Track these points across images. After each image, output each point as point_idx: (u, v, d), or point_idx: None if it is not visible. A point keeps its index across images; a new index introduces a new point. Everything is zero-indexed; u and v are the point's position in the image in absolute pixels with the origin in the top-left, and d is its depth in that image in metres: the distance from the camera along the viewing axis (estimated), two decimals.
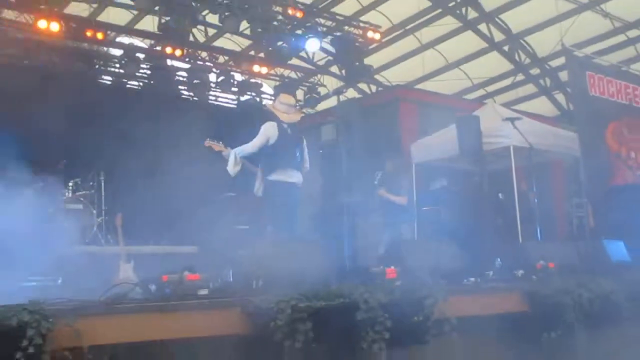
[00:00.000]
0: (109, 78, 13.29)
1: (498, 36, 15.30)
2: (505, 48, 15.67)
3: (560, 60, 14.89)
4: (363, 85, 16.75)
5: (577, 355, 6.07)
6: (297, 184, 7.46)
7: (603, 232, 8.98)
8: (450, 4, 14.34)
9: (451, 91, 16.49)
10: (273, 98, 14.63)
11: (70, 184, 9.37)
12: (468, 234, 8.59)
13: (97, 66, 12.91)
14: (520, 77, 16.66)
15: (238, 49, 14.55)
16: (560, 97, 16.93)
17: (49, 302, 4.06)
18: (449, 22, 14.99)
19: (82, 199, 9.42)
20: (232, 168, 7.45)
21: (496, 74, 16.79)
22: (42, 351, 3.65)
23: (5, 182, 8.11)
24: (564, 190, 13.64)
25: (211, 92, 14.08)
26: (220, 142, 7.70)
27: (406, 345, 4.87)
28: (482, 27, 15.03)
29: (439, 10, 14.56)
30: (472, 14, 14.60)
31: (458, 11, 14.51)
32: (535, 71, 16.43)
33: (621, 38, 15.25)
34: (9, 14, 11.83)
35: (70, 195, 9.37)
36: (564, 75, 15.34)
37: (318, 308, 4.45)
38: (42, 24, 10.84)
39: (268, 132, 7.44)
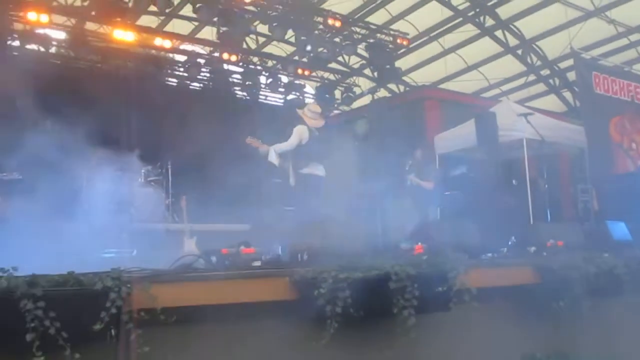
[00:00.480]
0: (175, 80, 13.43)
1: (512, 41, 15.06)
2: (519, 52, 15.40)
3: (568, 62, 14.66)
4: (392, 86, 16.62)
5: (582, 322, 5.98)
6: (322, 176, 7.84)
7: (606, 214, 8.84)
8: (470, 13, 14.16)
9: (470, 90, 16.33)
10: (314, 98, 14.74)
11: (143, 171, 9.52)
12: (485, 215, 8.49)
13: (164, 70, 13.07)
14: (531, 77, 16.38)
15: (284, 54, 14.57)
16: (567, 95, 16.59)
17: (128, 270, 4.14)
18: (469, 29, 14.80)
19: (152, 183, 9.57)
20: (275, 160, 7.91)
21: (510, 75, 16.51)
22: (122, 312, 3.73)
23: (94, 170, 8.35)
24: (570, 178, 13.40)
25: (261, 92, 14.13)
26: (259, 140, 8.00)
27: (431, 311, 4.85)
28: (499, 33, 14.80)
29: (460, 19, 14.39)
30: (489, 21, 14.42)
31: (477, 19, 14.32)
32: (545, 72, 16.16)
33: (624, 42, 14.89)
34: (90, 26, 12.07)
35: (142, 180, 9.52)
36: (571, 75, 15.09)
37: (355, 278, 4.47)
38: (118, 33, 11.02)
39: (301, 134, 7.80)
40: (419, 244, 5.57)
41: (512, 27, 14.67)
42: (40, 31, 11.23)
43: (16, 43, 11.24)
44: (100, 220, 8.27)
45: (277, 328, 4.59)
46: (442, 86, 16.06)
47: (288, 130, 8.00)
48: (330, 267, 4.48)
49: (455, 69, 16.42)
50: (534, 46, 15.37)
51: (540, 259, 6.18)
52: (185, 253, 5.91)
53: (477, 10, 14.11)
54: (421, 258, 5.19)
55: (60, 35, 12.11)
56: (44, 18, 10.41)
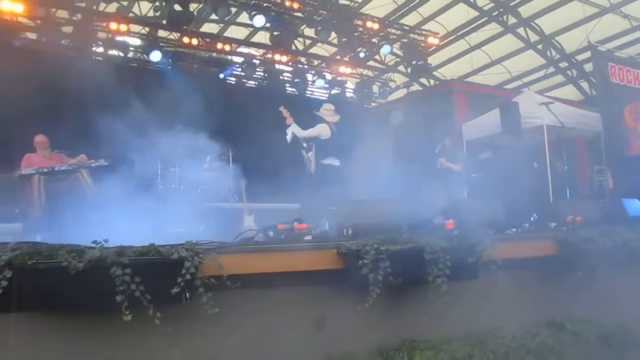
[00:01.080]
0: (233, 79, 13.52)
1: (533, 37, 14.61)
2: (539, 46, 14.93)
3: (585, 55, 14.22)
4: (424, 80, 16.36)
5: (598, 289, 5.81)
6: (339, 167, 8.22)
7: (620, 192, 8.55)
8: (494, 13, 13.81)
9: (494, 83, 15.94)
10: (353, 93, 14.64)
11: (208, 157, 9.62)
12: (509, 194, 8.31)
13: (224, 70, 13.17)
14: (551, 69, 15.88)
15: (328, 54, 14.50)
16: (584, 85, 16.04)
17: (199, 243, 4.23)
18: (493, 27, 14.42)
19: (216, 168, 9.66)
20: (288, 137, 8.48)
21: (531, 68, 16.03)
22: (195, 278, 3.82)
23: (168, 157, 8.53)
24: (587, 160, 12.98)
25: (308, 88, 14.10)
26: (289, 113, 8.22)
27: (461, 279, 4.80)
28: (520, 30, 14.40)
29: (485, 18, 14.05)
30: (511, 20, 14.04)
31: (500, 18, 13.95)
32: (563, 64, 15.64)
33: (638, 34, 14.19)
34: (162, 33, 12.26)
35: (208, 165, 9.64)
36: (588, 67, 14.69)
37: (394, 250, 4.46)
38: (185, 39, 11.17)
39: (320, 130, 8.26)
40: (450, 220, 5.49)
41: (533, 24, 14.24)
42: (120, 38, 11.47)
43: (100, 49, 11.54)
44: (173, 200, 8.49)
45: (326, 293, 4.61)
46: (468, 79, 15.73)
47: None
48: (372, 240, 4.48)
49: (481, 64, 16.04)
50: (553, 41, 14.89)
51: (561, 233, 6.01)
52: (245, 228, 5.99)
53: (501, 10, 13.75)
54: (452, 232, 5.13)
55: (136, 41, 12.34)
56: (123, 27, 10.62)
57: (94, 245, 3.72)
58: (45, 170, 7.39)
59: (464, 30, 14.63)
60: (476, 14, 13.88)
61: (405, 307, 4.80)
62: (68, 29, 11.10)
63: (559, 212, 6.69)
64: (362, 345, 4.61)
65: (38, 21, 10.43)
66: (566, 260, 5.61)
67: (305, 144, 8.32)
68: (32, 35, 11.20)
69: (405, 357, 4.44)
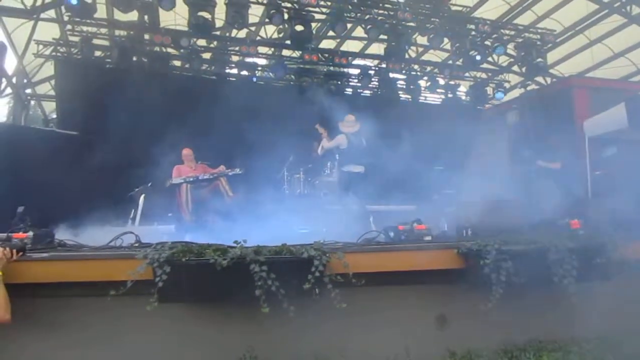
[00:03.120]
0: (350, 90, 13.64)
1: None
2: None
3: None
4: (539, 79, 15.28)
5: None
6: (360, 173, 8.26)
7: None
8: (616, 4, 12.49)
9: (618, 76, 14.41)
10: (466, 95, 14.07)
11: (329, 164, 9.71)
12: (638, 193, 7.46)
13: (339, 82, 13.35)
14: None
15: (440, 59, 14.12)
16: None
17: (325, 243, 4.32)
18: (615, 20, 13.05)
19: (336, 175, 9.71)
20: (319, 151, 8.72)
21: None
22: (324, 275, 3.91)
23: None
24: None
25: (421, 94, 13.82)
26: (324, 129, 8.67)
27: (591, 280, 4.40)
28: None
29: (606, 11, 12.76)
30: (635, 10, 12.58)
31: (623, 9, 12.58)
32: None
33: None
34: (285, 52, 12.75)
35: (328, 172, 9.73)
36: None
37: (517, 251, 4.22)
38: (307, 56, 11.52)
39: (339, 141, 8.34)
40: (575, 219, 5.06)
41: None
42: (250, 60, 12.12)
43: (234, 71, 12.29)
44: (298, 204, 8.76)
45: (447, 292, 4.49)
46: (589, 74, 14.40)
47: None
48: (494, 240, 4.28)
49: (602, 58, 14.61)
50: None
51: None
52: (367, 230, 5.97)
53: (623, 0, 12.40)
54: (578, 232, 4.73)
55: (263, 62, 12.97)
56: (253, 50, 11.22)
57: (235, 244, 3.96)
58: (191, 179, 8.04)
59: (583, 25, 13.43)
60: (596, 7, 12.68)
61: (530, 307, 4.50)
62: (207, 55, 11.99)
63: None
64: (485, 344, 4.42)
65: (182, 50, 11.37)
66: None
67: (336, 155, 8.55)
68: (177, 62, 12.24)
69: (532, 358, 4.17)
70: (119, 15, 10.17)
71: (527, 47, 11.44)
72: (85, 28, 10.62)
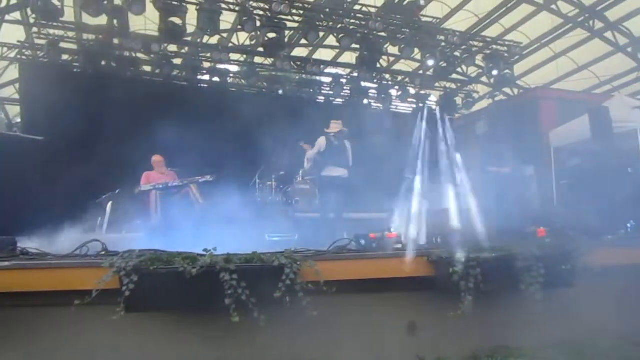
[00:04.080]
0: (322, 98, 13.70)
1: (622, 40, 13.49)
2: (629, 49, 13.77)
3: None
4: (507, 89, 15.66)
5: None
6: (342, 177, 7.97)
7: None
8: (580, 19, 12.94)
9: (581, 89, 14.93)
10: (436, 105, 14.30)
11: (301, 171, 9.75)
12: (601, 201, 7.70)
13: (312, 90, 13.42)
14: None
15: (411, 69, 14.33)
16: None
17: (297, 251, 4.31)
18: (578, 34, 13.52)
19: (308, 182, 9.76)
20: (306, 164, 8.48)
21: (621, 72, 14.82)
22: (295, 283, 3.89)
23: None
24: None
25: (393, 103, 13.97)
26: (309, 145, 8.44)
27: (556, 287, 4.51)
28: (608, 34, 13.34)
29: (570, 25, 13.20)
30: (598, 25, 13.05)
31: (586, 24, 13.04)
32: None
33: None
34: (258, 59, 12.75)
35: (300, 179, 9.77)
36: None
37: (486, 258, 4.29)
38: (279, 64, 11.52)
39: (319, 144, 8.02)
40: (541, 227, 5.18)
41: (621, 27, 13.17)
42: (222, 66, 12.05)
43: (205, 77, 12.21)
44: (270, 211, 8.73)
45: (417, 299, 4.53)
46: (554, 87, 14.85)
47: None
48: (463, 248, 4.34)
49: (566, 70, 15.09)
50: None
51: None
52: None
53: (586, 15, 12.85)
54: (545, 240, 4.85)
55: (235, 69, 12.92)
56: (225, 57, 11.16)
57: (205, 252, 3.92)
58: (161, 186, 7.91)
59: (548, 38, 13.85)
60: (560, 21, 13.11)
61: (498, 314, 4.59)
62: (178, 61, 11.88)
63: None
64: (454, 350, 4.47)
65: (152, 55, 11.23)
66: None
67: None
68: (147, 68, 12.08)
69: None
70: (87, 19, 9.98)
71: (494, 59, 11.71)
72: (52, 31, 10.40)
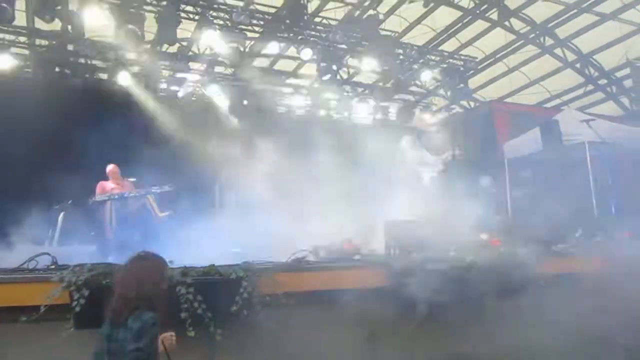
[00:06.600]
0: (283, 108, 13.69)
1: (571, 56, 14.09)
2: (577, 65, 14.42)
3: (625, 71, 13.65)
4: (464, 102, 16.10)
5: None
6: None
7: None
8: (531, 36, 13.46)
9: (533, 102, 15.48)
10: (396, 117, 14.50)
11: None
12: (552, 211, 7.98)
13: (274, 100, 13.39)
14: (590, 86, 15.26)
15: (370, 82, 14.52)
16: (624, 100, 15.31)
17: (255, 262, 4.26)
18: (530, 50, 14.05)
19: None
20: None
21: (570, 86, 15.47)
22: (253, 296, 3.85)
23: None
24: (633, 174, 12.32)
25: (353, 114, 14.09)
26: None
27: (509, 296, 4.63)
28: (558, 50, 13.91)
29: (522, 41, 13.72)
30: (548, 41, 13.61)
31: (537, 40, 13.58)
32: (602, 81, 15.00)
33: None
34: (218, 69, 12.62)
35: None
36: (627, 83, 14.01)
37: (440, 269, 4.37)
38: (239, 75, 11.45)
39: None
40: (495, 237, 5.32)
41: (570, 44, 13.78)
42: (180, 75, 11.88)
43: (163, 86, 11.99)
44: (230, 222, 8.60)
45: (375, 310, 4.53)
46: (508, 100, 15.35)
47: None
48: (419, 259, 4.40)
49: (519, 84, 15.59)
50: (591, 59, 14.33)
51: (609, 248, 5.71)
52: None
53: (537, 32, 13.38)
54: (498, 250, 4.98)
55: (195, 77, 12.75)
56: (184, 66, 11.03)
57: None
58: (116, 196, 7.69)
59: (502, 53, 14.32)
60: (513, 37, 13.59)
61: (454, 324, 4.64)
62: (135, 69, 11.63)
63: (605, 228, 6.37)
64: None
65: (109, 63, 10.97)
66: (615, 276, 5.29)
67: None
68: (103, 75, 11.78)
69: None
70: (40, 24, 9.66)
71: (451, 72, 12.02)
72: (1, 35, 10.01)
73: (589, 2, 12.11)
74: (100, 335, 2.86)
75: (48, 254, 4.43)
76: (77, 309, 3.45)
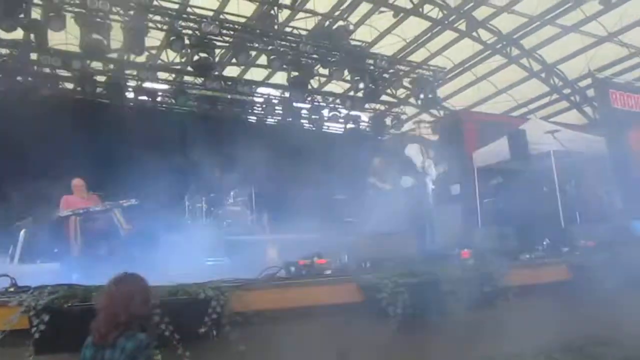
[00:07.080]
0: (254, 118, 13.62)
1: (536, 66, 14.54)
2: (542, 75, 14.83)
3: (587, 81, 14.12)
4: (434, 111, 16.33)
5: (615, 312, 5.56)
6: None
7: (630, 213, 8.25)
8: (498, 46, 13.80)
9: (501, 110, 15.84)
10: (367, 126, 14.61)
11: (232, 193, 9.56)
12: (520, 220, 8.10)
13: (245, 110, 13.31)
14: (554, 96, 15.71)
15: (342, 90, 14.58)
16: (588, 110, 15.81)
17: (224, 280, 4.17)
18: (497, 60, 14.40)
19: (240, 203, 9.59)
20: None
21: (535, 95, 15.89)
22: (222, 316, 3.75)
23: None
24: (596, 182, 12.66)
25: (325, 124, 14.12)
26: None
27: (479, 308, 4.66)
28: (524, 60, 14.33)
29: (489, 52, 14.03)
30: (515, 51, 14.00)
31: (504, 51, 13.93)
32: (566, 91, 15.47)
33: (635, 61, 14.01)
34: (187, 78, 12.48)
35: (232, 201, 9.57)
36: (590, 93, 14.40)
37: (412, 283, 4.36)
38: (209, 83, 11.32)
39: None
40: (465, 249, 5.36)
41: (535, 54, 14.18)
42: (148, 85, 11.68)
43: (131, 95, 11.75)
44: (201, 234, 8.46)
45: (348, 326, 4.50)
46: (476, 108, 15.65)
47: None
48: (391, 273, 4.39)
49: (487, 93, 15.97)
50: (556, 69, 14.78)
51: (574, 257, 5.83)
52: (269, 262, 5.88)
53: (504, 43, 13.74)
54: (468, 262, 5.01)
55: (164, 87, 12.56)
56: (152, 75, 10.84)
57: None
58: (81, 211, 7.46)
59: (470, 63, 14.62)
60: (481, 47, 13.89)
61: (426, 337, 4.65)
62: (101, 78, 11.39)
63: (571, 237, 6.50)
64: None
65: (75, 72, 10.71)
66: (581, 285, 5.40)
67: None
68: (69, 85, 11.49)
69: None
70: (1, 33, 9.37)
71: (420, 82, 12.17)
72: None
73: (552, 14, 12.49)
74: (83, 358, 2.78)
75: (7, 275, 4.23)
76: (37, 335, 3.30)
